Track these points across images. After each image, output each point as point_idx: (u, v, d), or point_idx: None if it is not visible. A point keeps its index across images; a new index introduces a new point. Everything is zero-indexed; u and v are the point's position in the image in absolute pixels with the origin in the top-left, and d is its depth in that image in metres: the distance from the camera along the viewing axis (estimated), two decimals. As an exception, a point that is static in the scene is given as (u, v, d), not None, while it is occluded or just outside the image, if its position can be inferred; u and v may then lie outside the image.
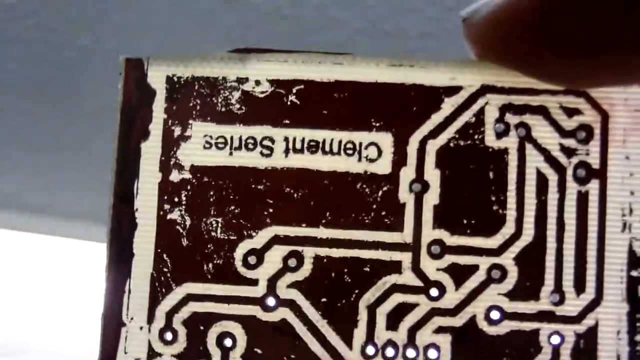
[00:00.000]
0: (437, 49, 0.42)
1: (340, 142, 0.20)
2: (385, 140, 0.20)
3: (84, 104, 0.46)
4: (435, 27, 0.41)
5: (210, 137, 0.20)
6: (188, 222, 0.19)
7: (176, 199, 0.20)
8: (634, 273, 0.19)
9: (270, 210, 0.19)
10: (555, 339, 0.19)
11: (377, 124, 0.20)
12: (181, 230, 0.19)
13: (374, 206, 0.19)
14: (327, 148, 0.20)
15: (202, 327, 0.19)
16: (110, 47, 0.43)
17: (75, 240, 0.59)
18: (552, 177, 0.19)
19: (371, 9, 0.41)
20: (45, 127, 0.47)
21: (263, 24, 0.43)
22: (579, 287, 0.19)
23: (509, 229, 0.19)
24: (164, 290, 0.19)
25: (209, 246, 0.19)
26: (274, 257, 0.19)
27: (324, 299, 0.19)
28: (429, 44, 0.41)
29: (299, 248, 0.19)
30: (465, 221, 0.19)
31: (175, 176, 0.20)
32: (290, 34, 0.43)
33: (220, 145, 0.20)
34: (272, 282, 0.19)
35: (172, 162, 0.20)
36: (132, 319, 0.19)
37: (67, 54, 0.44)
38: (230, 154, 0.20)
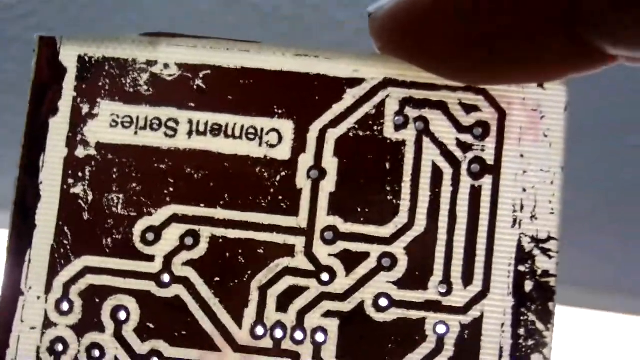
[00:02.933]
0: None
1: (242, 127, 0.20)
2: (287, 127, 0.20)
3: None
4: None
5: (117, 116, 0.20)
6: (90, 197, 0.20)
7: (80, 174, 0.20)
8: (522, 268, 0.20)
9: (171, 189, 0.20)
10: (441, 329, 0.20)
11: (280, 111, 0.20)
12: (83, 205, 0.20)
13: (272, 190, 0.20)
14: (229, 132, 0.20)
15: (97, 300, 0.20)
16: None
17: None
18: (447, 171, 0.20)
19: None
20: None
21: (263, 24, 0.43)
22: (467, 279, 0.20)
23: (401, 219, 0.20)
24: (62, 261, 0.20)
25: (109, 221, 0.20)
26: (172, 235, 0.20)
27: (217, 278, 0.20)
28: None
29: (196, 227, 0.20)
30: (359, 209, 0.20)
31: (80, 152, 0.20)
32: (290, 34, 0.43)
33: (126, 125, 0.20)
34: (168, 259, 0.20)
35: (78, 139, 0.20)
36: (30, 288, 0.20)
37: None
38: (136, 133, 0.20)
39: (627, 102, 0.46)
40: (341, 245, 0.20)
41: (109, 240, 0.20)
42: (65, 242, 0.20)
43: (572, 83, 0.20)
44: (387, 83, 0.20)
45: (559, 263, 0.20)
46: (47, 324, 0.20)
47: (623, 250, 0.51)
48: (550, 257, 0.20)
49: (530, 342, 0.19)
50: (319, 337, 0.20)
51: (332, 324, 0.20)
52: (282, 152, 0.20)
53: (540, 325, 0.20)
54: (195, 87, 0.20)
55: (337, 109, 0.20)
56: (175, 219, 0.20)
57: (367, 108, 0.20)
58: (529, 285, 0.20)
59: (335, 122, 0.20)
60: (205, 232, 0.20)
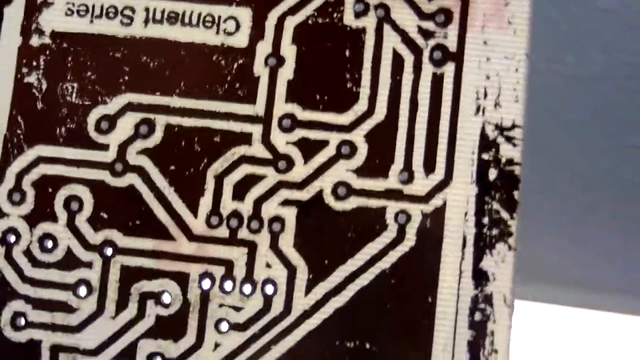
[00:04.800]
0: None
1: (199, 14, 0.20)
2: (244, 14, 0.20)
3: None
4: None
5: (73, 4, 0.20)
6: (44, 86, 0.20)
7: (34, 63, 0.20)
8: (485, 156, 0.19)
9: (126, 77, 0.20)
10: (402, 218, 0.19)
11: None
12: (37, 94, 0.20)
13: (229, 78, 0.20)
14: (186, 20, 0.20)
15: (50, 190, 0.19)
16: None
17: None
18: (408, 58, 0.19)
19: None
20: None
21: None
22: (429, 167, 0.19)
23: (361, 106, 0.19)
24: (15, 151, 0.19)
25: (63, 110, 0.20)
26: (126, 124, 0.20)
27: (172, 167, 0.19)
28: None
29: (151, 116, 0.19)
30: (318, 97, 0.19)
31: (35, 41, 0.20)
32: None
33: (81, 13, 0.20)
34: (123, 148, 0.19)
35: (33, 27, 0.20)
36: None
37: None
38: (91, 21, 0.20)
39: (627, 102, 0.46)
40: (299, 133, 0.19)
41: (63, 129, 0.20)
42: (19, 131, 0.20)
43: (572, 83, 0.20)
44: None
45: (524, 151, 0.19)
46: (0, 214, 0.19)
47: (623, 250, 0.51)
48: (514, 145, 0.19)
49: (494, 231, 0.19)
50: (276, 226, 0.19)
51: (290, 213, 0.19)
52: (240, 40, 0.20)
53: (504, 214, 0.19)
54: None
55: None
56: (130, 107, 0.20)
57: None
58: (492, 174, 0.19)
59: (294, 10, 0.20)
60: (161, 120, 0.19)
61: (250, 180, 0.19)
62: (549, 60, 0.43)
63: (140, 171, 0.19)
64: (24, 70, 0.20)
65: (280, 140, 0.19)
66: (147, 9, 0.20)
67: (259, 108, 0.19)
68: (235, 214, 0.19)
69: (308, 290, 0.19)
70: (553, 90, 0.43)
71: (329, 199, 0.19)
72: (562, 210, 0.50)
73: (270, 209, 0.19)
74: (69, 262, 0.19)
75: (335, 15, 0.20)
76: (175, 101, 0.19)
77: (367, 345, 0.19)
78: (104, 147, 0.19)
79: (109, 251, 0.19)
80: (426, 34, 0.19)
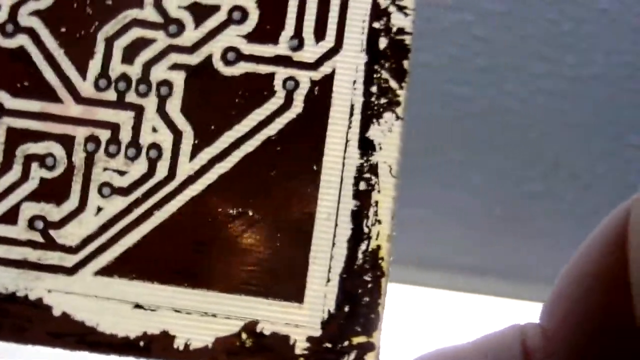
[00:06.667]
0: None
1: None
2: None
3: None
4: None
5: None
6: None
7: None
8: (376, 25, 0.19)
9: None
10: (290, 84, 0.19)
11: None
12: None
13: None
14: None
15: None
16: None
17: None
18: None
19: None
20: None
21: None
22: (319, 34, 0.19)
23: None
24: None
25: None
26: None
27: (63, 29, 0.19)
28: None
29: None
30: None
31: None
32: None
33: None
34: (15, 8, 0.19)
35: None
36: None
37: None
38: None
39: (627, 102, 0.45)
40: None
41: None
42: None
43: (572, 83, 0.19)
44: None
45: (415, 21, 0.19)
46: None
47: None
48: (406, 14, 0.19)
49: (382, 100, 0.19)
50: (164, 90, 0.19)
51: (178, 77, 0.19)
52: None
53: (393, 84, 0.19)
54: None
55: None
56: None
57: None
58: (383, 43, 0.19)
59: None
60: None
61: (140, 44, 0.19)
62: (549, 60, 0.43)
63: (31, 32, 0.19)
64: None
65: (172, 4, 0.19)
66: None
67: None
68: (124, 77, 0.19)
69: (193, 155, 0.19)
70: (553, 91, 0.43)
71: (218, 64, 0.19)
72: (562, 210, 0.49)
73: (159, 72, 0.19)
74: (-43, 121, 0.19)
75: None
76: None
77: (250, 212, 0.18)
78: None
79: (-4, 112, 0.19)
80: None
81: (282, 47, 0.19)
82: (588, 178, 0.48)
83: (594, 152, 0.47)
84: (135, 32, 0.19)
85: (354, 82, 0.19)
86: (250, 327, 0.18)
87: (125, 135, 0.19)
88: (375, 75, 0.19)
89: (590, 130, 0.46)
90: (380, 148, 0.18)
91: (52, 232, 0.19)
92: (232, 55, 0.19)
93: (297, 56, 0.19)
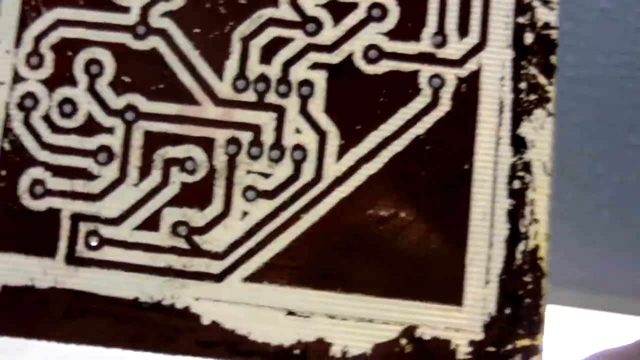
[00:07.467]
0: None
1: None
2: None
3: None
4: None
5: None
6: None
7: None
8: (521, 20, 0.18)
9: None
10: (436, 82, 0.18)
11: None
12: None
13: None
14: None
15: (70, 53, 0.19)
16: None
17: None
18: None
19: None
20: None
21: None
22: (462, 30, 0.18)
23: None
24: (33, 14, 0.19)
25: None
26: None
27: (196, 29, 0.19)
28: None
29: None
30: None
31: None
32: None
33: None
34: (145, 10, 0.19)
35: None
36: None
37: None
38: None
39: (627, 102, 0.45)
40: None
41: None
42: None
43: (572, 84, 0.19)
44: None
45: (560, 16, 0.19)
46: (17, 78, 0.19)
47: (624, 250, 0.50)
48: (551, 8, 0.18)
49: (532, 97, 0.18)
50: (305, 90, 0.18)
51: (320, 77, 0.18)
52: None
53: (542, 79, 0.18)
54: None
55: None
56: None
57: None
58: (529, 38, 0.18)
59: None
60: None
61: (277, 43, 0.19)
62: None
63: (163, 34, 0.19)
64: None
65: (309, 2, 0.19)
66: None
67: None
68: (263, 77, 0.18)
69: (339, 156, 0.18)
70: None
71: (360, 63, 0.18)
72: (562, 211, 0.49)
73: (299, 72, 0.18)
74: (90, 127, 0.18)
75: None
76: None
77: (402, 214, 0.18)
78: (126, 10, 0.19)
79: (131, 116, 0.18)
80: None
81: (424, 44, 0.18)
82: (588, 178, 0.48)
83: (594, 152, 0.47)
84: (272, 32, 0.19)
85: (502, 78, 0.18)
86: (409, 332, 0.18)
87: (267, 137, 0.18)
88: (523, 72, 0.18)
89: (590, 130, 0.46)
90: (533, 145, 0.18)
91: (196, 238, 0.18)
92: (374, 53, 0.18)
93: (441, 53, 0.18)
